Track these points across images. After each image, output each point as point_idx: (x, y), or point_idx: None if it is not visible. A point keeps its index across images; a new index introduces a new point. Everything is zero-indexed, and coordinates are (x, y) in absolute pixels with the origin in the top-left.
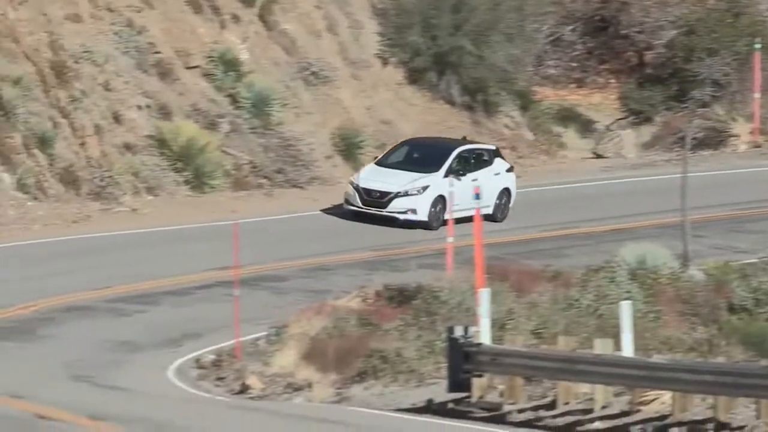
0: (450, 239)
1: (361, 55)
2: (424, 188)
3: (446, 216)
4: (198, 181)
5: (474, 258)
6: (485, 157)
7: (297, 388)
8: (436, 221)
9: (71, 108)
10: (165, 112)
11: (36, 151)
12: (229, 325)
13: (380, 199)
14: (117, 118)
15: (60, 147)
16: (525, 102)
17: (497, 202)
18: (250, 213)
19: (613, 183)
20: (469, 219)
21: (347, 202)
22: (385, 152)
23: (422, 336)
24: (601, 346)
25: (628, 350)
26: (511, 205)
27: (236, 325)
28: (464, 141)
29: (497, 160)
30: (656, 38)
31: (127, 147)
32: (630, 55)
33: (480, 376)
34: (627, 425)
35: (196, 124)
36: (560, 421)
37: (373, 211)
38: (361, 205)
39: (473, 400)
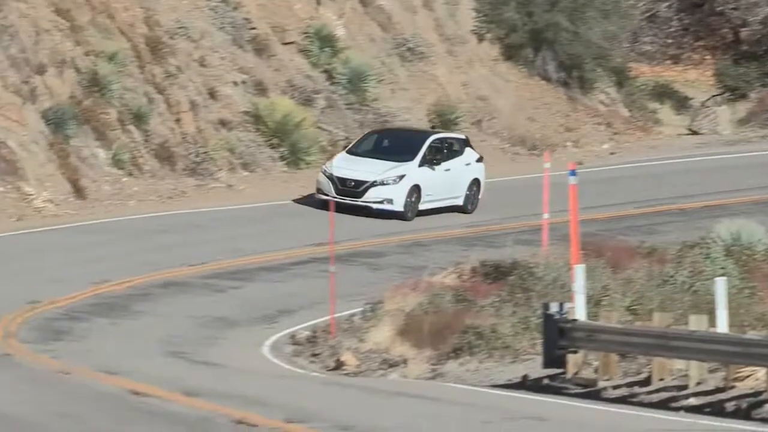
0: (546, 215)
1: (457, 31)
2: (401, 177)
3: (421, 206)
4: (293, 157)
5: (569, 234)
6: (456, 147)
7: (392, 365)
8: (411, 212)
9: (166, 84)
10: (261, 88)
11: (131, 127)
12: (324, 301)
13: (355, 188)
14: (212, 94)
15: (155, 123)
16: (620, 78)
17: (467, 192)
18: None
19: (708, 159)
20: (441, 210)
21: (319, 191)
22: (355, 141)
23: (517, 312)
24: (696, 323)
25: (722, 326)
26: (480, 196)
27: (331, 301)
28: (435, 130)
29: (467, 150)
30: (751, 15)
31: (223, 123)
32: (725, 32)
33: (575, 352)
34: (721, 401)
35: (292, 100)
36: (655, 398)
37: (348, 200)
38: (335, 194)
39: (568, 376)
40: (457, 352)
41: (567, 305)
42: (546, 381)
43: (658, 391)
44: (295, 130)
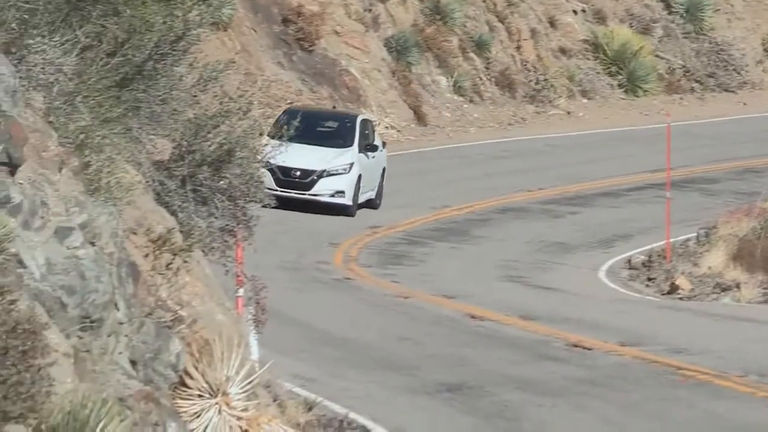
0: None
1: None
2: (351, 166)
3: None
4: (631, 85)
5: None
6: (372, 130)
7: (724, 289)
8: (356, 205)
9: (507, 12)
10: (600, 17)
11: (472, 55)
12: (659, 226)
13: (302, 179)
14: (552, 23)
15: (496, 50)
16: None
17: (380, 183)
18: (681, 116)
19: None
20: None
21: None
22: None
23: None
24: None
25: None
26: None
27: (667, 226)
28: (348, 111)
29: (376, 134)
30: None
31: (562, 51)
32: None
33: None
34: None
35: (630, 28)
36: None
37: (292, 194)
38: (275, 186)
39: None
40: None
41: None
42: None
43: None
44: (633, 59)
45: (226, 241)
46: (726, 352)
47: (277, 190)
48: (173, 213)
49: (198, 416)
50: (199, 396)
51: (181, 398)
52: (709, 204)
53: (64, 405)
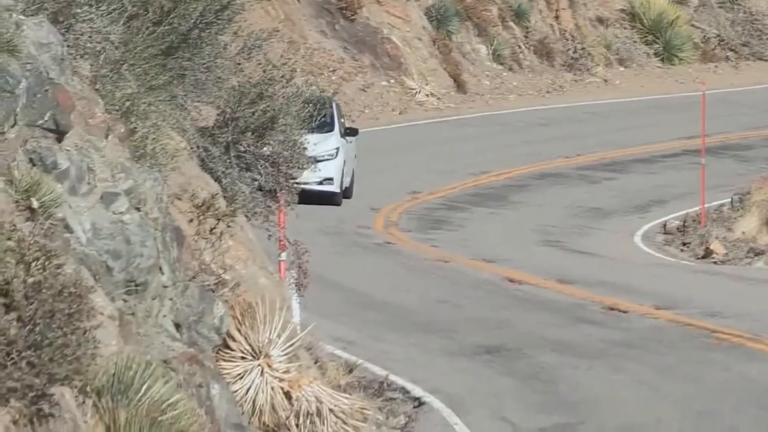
0: None
1: None
2: (337, 150)
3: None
4: (667, 54)
5: None
6: (342, 115)
7: (758, 253)
8: (342, 193)
9: None
10: None
11: (511, 24)
12: (694, 191)
13: None
14: None
15: (535, 20)
16: None
17: (353, 172)
18: (716, 84)
19: None
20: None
21: None
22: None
23: None
24: None
25: None
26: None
27: (702, 192)
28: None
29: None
30: None
31: (600, 20)
32: None
33: None
34: None
35: None
36: None
37: None
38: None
39: None
40: None
41: None
42: None
43: None
44: (669, 28)
45: (268, 206)
46: (759, 315)
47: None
48: (217, 179)
49: (241, 378)
50: (242, 358)
51: (225, 360)
52: (742, 170)
53: (109, 367)
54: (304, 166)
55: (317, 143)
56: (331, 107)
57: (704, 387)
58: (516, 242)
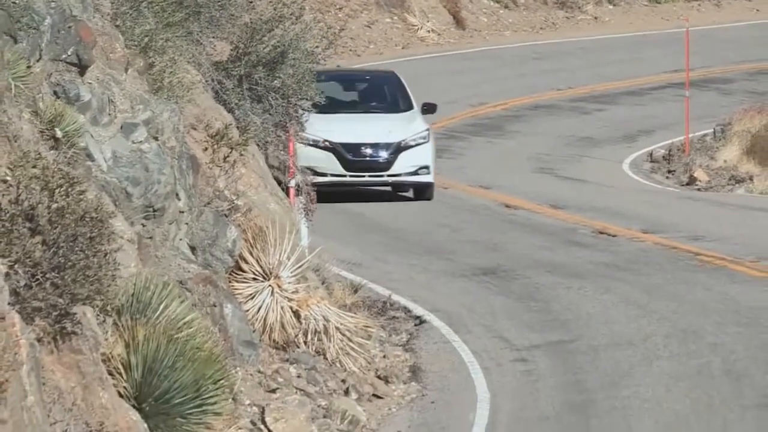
0: None
1: None
2: (428, 133)
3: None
4: None
5: None
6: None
7: (739, 181)
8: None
9: None
10: None
11: None
12: (679, 122)
13: (374, 157)
14: None
15: None
16: None
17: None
18: (699, 21)
19: None
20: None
21: (312, 172)
22: None
23: None
24: None
25: None
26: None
27: (686, 122)
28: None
29: None
30: None
31: None
32: None
33: None
34: None
35: None
36: None
37: (366, 177)
38: (343, 171)
39: None
40: None
41: None
42: None
43: None
44: None
45: (279, 136)
46: (740, 239)
47: (345, 176)
48: (230, 110)
49: (252, 298)
50: (254, 279)
51: (237, 281)
52: (725, 103)
53: (128, 287)
54: (313, 98)
55: (396, 126)
56: (397, 82)
57: (688, 306)
58: (511, 170)
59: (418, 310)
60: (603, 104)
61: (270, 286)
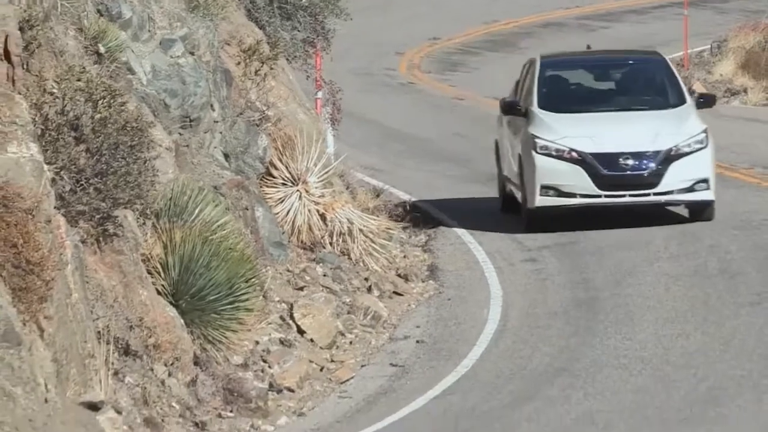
0: None
1: None
2: (706, 134)
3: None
4: None
5: None
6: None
7: (734, 93)
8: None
9: None
10: None
11: None
12: (678, 39)
13: (638, 170)
14: None
15: None
16: None
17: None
18: None
19: None
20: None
21: (555, 191)
22: (521, 83)
23: None
24: None
25: None
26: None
27: (685, 39)
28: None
29: None
30: None
31: None
32: None
33: None
34: None
35: None
36: None
37: (627, 198)
38: (597, 190)
39: None
40: None
41: None
42: None
43: None
44: None
45: (306, 51)
46: (735, 147)
47: (599, 196)
48: (261, 27)
49: (281, 201)
50: (283, 184)
51: (267, 186)
52: (721, 21)
53: (166, 192)
54: (339, 15)
55: (665, 128)
56: (664, 66)
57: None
58: None
59: (435, 213)
60: (608, 22)
61: (298, 190)
